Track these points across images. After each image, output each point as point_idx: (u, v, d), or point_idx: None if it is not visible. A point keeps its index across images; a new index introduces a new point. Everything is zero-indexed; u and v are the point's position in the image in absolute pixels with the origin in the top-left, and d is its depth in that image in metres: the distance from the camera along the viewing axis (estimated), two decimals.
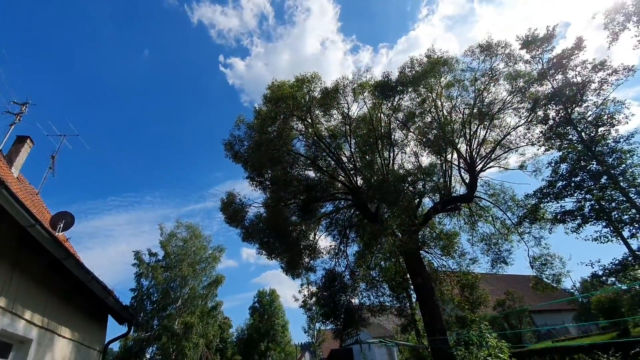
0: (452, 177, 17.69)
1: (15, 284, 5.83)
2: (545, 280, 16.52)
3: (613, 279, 14.30)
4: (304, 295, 19.19)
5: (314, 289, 18.87)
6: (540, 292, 17.36)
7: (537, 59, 15.72)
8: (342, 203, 19.64)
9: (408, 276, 17.45)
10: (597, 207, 13.98)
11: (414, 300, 19.14)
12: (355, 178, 17.79)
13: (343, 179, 18.17)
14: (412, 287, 17.82)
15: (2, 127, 12.34)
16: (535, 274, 16.90)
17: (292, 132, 17.56)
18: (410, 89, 16.60)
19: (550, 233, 16.06)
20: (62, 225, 9.83)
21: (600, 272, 14.24)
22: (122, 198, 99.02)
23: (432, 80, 16.59)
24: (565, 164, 14.75)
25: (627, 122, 13.70)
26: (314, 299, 18.74)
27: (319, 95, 16.55)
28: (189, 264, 31.05)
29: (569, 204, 14.86)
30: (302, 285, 19.82)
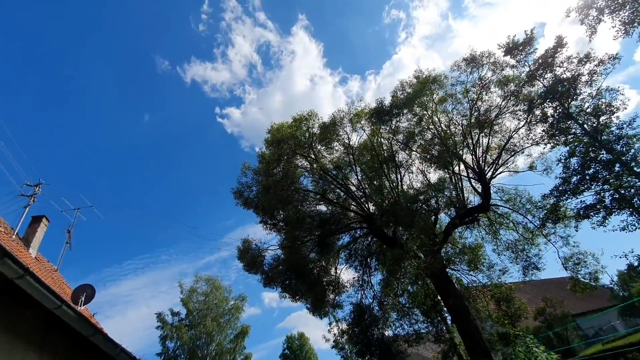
0: (464, 189, 17.56)
1: None
2: (583, 280, 15.77)
3: None
4: (334, 335, 18.40)
5: (343, 326, 18.13)
6: (580, 294, 16.45)
7: (522, 62, 16.08)
8: (358, 232, 19.39)
9: (439, 298, 16.77)
10: (617, 196, 13.64)
11: (449, 322, 18.23)
12: (367, 205, 17.71)
13: (355, 207, 18.09)
14: (445, 309, 17.06)
15: (18, 209, 12.75)
16: (570, 275, 16.16)
17: (298, 171, 17.79)
18: (405, 110, 16.97)
19: (576, 231, 15.58)
20: (83, 298, 9.82)
21: (636, 263, 13.66)
22: (138, 260, 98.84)
23: (425, 98, 16.97)
24: (575, 157, 14.60)
25: (626, 108, 13.71)
26: (345, 337, 17.94)
27: (318, 131, 16.94)
28: (213, 319, 30.32)
29: (588, 197, 14.52)
30: (330, 323, 19.09)
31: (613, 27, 12.89)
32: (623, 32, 12.69)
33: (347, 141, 17.45)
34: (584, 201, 14.57)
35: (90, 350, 6.69)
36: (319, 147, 17.55)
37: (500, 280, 16.74)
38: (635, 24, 12.50)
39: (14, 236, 11.17)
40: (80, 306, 9.61)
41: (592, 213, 14.23)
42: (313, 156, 17.26)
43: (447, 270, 15.78)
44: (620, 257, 13.70)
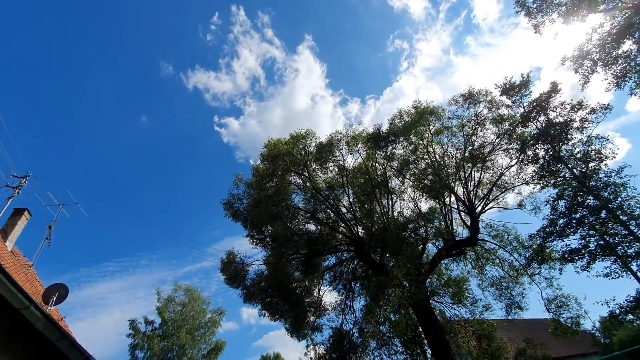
0: (454, 221, 17.63)
1: None
2: (564, 323, 15.69)
3: (631, 316, 13.66)
4: (311, 358, 17.86)
5: (321, 350, 17.61)
6: (561, 338, 16.30)
7: (518, 103, 16.61)
8: (345, 255, 19.21)
9: (420, 330, 16.48)
10: (602, 242, 13.79)
11: (429, 356, 17.84)
12: (356, 228, 17.63)
13: (344, 229, 17.98)
14: (425, 341, 16.73)
15: (1, 200, 12.44)
16: (552, 318, 16.08)
17: (290, 187, 17.76)
18: (401, 138, 17.25)
19: (560, 273, 15.66)
20: (55, 298, 9.49)
21: (617, 311, 13.65)
22: (116, 263, 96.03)
23: (422, 128, 17.33)
24: (563, 200, 14.82)
25: (615, 157, 14.10)
26: None
27: (315, 150, 17.08)
28: (188, 331, 29.20)
29: (573, 241, 14.65)
30: (307, 346, 18.53)
31: (605, 79, 13.36)
32: (615, 84, 13.16)
33: (342, 163, 17.60)
34: (569, 244, 14.67)
35: (59, 356, 6.41)
36: (313, 165, 17.63)
37: (482, 316, 16.55)
38: (627, 78, 13.00)
39: None
40: (51, 306, 9.26)
41: (576, 257, 14.31)
42: (307, 174, 17.29)
43: (430, 301, 15.60)
44: (602, 304, 13.76)
